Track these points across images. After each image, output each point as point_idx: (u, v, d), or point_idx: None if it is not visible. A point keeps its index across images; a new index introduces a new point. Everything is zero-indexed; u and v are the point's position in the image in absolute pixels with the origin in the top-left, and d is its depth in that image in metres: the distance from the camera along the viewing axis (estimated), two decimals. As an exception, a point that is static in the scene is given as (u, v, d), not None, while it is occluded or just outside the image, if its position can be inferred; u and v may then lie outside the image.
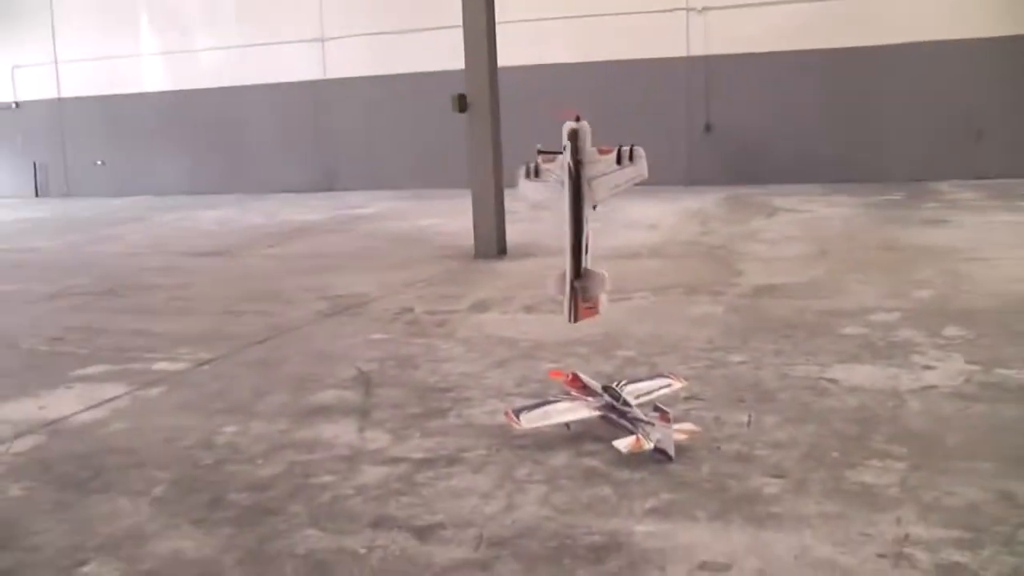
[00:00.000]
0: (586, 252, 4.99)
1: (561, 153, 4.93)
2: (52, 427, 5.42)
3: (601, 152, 4.92)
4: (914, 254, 9.85)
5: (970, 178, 16.73)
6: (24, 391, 6.17)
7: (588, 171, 4.89)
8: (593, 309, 5.06)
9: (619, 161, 4.87)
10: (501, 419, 5.02)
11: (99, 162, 23.34)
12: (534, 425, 4.77)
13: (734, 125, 18.54)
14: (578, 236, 4.95)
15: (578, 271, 4.98)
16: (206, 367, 6.59)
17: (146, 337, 7.59)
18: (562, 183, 4.91)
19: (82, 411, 5.68)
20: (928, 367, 5.85)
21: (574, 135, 4.91)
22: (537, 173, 5.01)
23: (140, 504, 4.22)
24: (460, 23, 10.86)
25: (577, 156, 4.89)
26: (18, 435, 5.28)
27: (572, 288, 4.99)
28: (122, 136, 23.14)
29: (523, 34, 18.09)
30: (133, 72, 23.01)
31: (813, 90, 17.99)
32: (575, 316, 5.04)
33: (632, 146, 4.89)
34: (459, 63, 10.94)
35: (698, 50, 18.65)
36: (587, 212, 4.93)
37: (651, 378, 5.32)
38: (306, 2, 21.12)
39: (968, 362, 5.91)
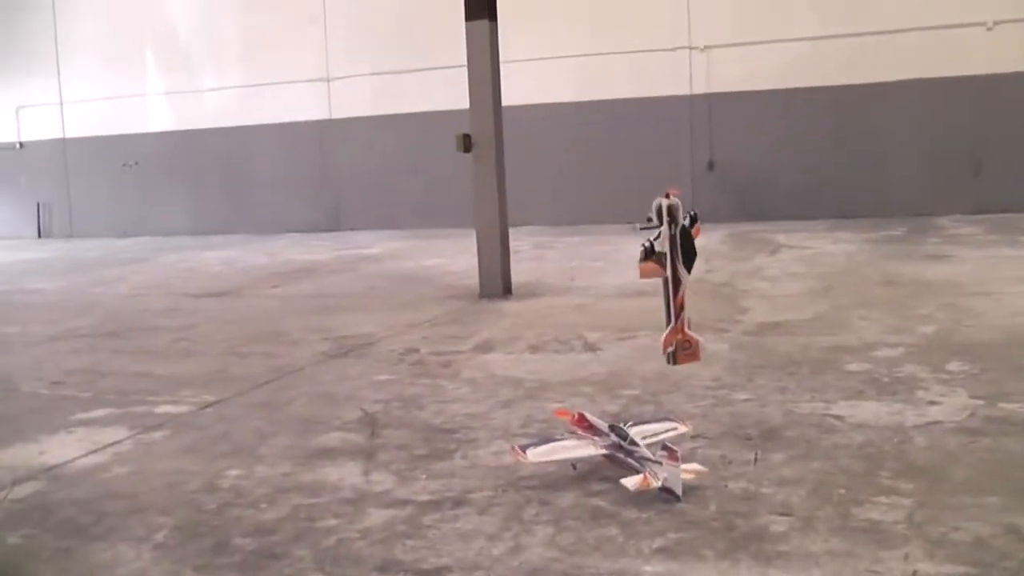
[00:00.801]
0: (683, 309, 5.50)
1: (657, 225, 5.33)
2: (52, 472, 5.39)
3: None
4: (917, 289, 9.86)
5: (970, 213, 16.80)
6: (24, 436, 6.15)
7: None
8: (693, 355, 5.54)
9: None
10: (507, 460, 5.02)
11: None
12: (541, 460, 4.77)
13: (737, 162, 18.61)
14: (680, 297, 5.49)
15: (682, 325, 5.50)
16: (210, 410, 6.58)
17: (149, 379, 7.59)
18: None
19: (83, 456, 5.66)
20: (932, 402, 5.85)
21: (671, 210, 5.30)
22: (654, 252, 5.39)
23: (142, 550, 4.19)
24: (465, 63, 10.91)
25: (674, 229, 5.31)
26: (17, 481, 5.24)
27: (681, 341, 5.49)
28: (127, 176, 23.20)
29: (527, 73, 18.18)
30: (138, 112, 23.10)
31: (814, 127, 18.07)
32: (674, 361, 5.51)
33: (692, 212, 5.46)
34: (464, 103, 10.99)
35: (700, 88, 18.74)
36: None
37: (657, 421, 5.32)
38: (311, 42, 21.24)
39: (972, 397, 5.91)
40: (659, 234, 5.29)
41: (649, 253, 5.33)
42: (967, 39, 17.13)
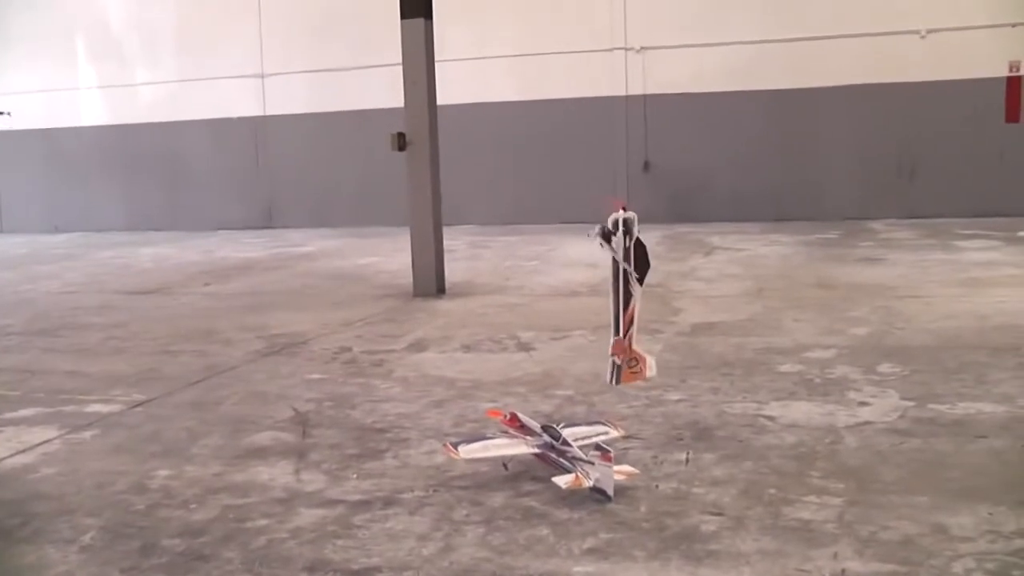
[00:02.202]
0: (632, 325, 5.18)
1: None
2: (-22, 473, 5.30)
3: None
4: (849, 292, 9.96)
5: (904, 217, 17.03)
6: (-49, 436, 6.03)
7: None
8: (639, 374, 5.19)
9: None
10: (439, 460, 5.00)
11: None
12: (473, 457, 4.75)
13: (672, 164, 18.70)
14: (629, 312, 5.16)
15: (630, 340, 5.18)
16: (140, 409, 6.50)
17: (80, 378, 7.48)
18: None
19: (10, 456, 5.56)
20: (864, 403, 5.91)
21: (627, 223, 5.04)
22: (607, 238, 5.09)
23: (68, 553, 4.11)
24: (400, 61, 10.86)
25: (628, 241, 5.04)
26: (-57, 482, 5.16)
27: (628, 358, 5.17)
28: (59, 170, 22.87)
29: (463, 72, 18.16)
30: (70, 106, 22.77)
31: (750, 130, 18.21)
32: (618, 379, 5.18)
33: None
34: (399, 101, 10.94)
35: (636, 89, 18.82)
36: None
37: (589, 424, 5.31)
38: (246, 38, 21.05)
39: (903, 398, 5.97)
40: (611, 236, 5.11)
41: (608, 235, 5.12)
42: (902, 47, 17.36)
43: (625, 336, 5.15)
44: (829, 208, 17.67)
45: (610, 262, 5.05)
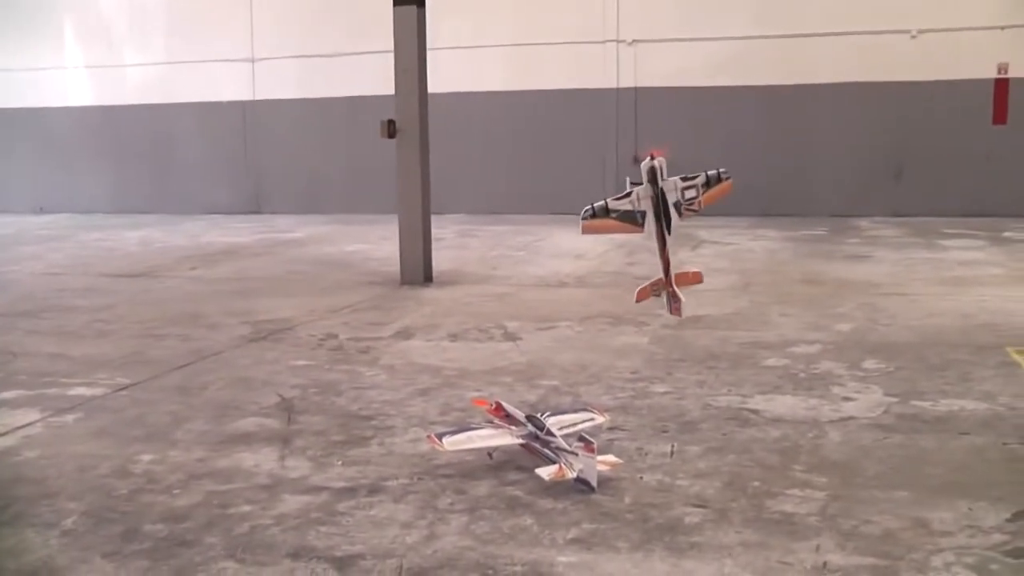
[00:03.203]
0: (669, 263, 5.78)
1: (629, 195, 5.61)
2: (-40, 456, 5.29)
3: (685, 179, 5.67)
4: (835, 288, 9.99)
5: (890, 215, 17.08)
6: (-67, 417, 6.01)
7: (670, 197, 5.62)
8: (677, 310, 5.81)
9: (708, 184, 5.70)
10: (424, 448, 5.01)
11: None
12: (457, 449, 4.76)
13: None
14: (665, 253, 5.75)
15: (669, 279, 5.77)
16: (125, 392, 6.49)
17: (64, 361, 7.46)
18: (639, 215, 5.62)
19: (-7, 438, 5.57)
20: (848, 398, 5.94)
21: (652, 172, 5.58)
22: (607, 211, 5.59)
23: (49, 537, 4.10)
24: (392, 48, 10.83)
25: (659, 187, 5.59)
26: (-77, 464, 5.13)
27: (670, 293, 5.78)
28: (45, 151, 22.73)
29: (455, 61, 18.13)
30: (57, 85, 22.61)
31: (739, 125, 18.20)
32: (673, 310, 5.81)
33: (719, 171, 5.77)
34: (390, 88, 10.91)
35: (628, 82, 18.81)
36: (670, 234, 5.71)
37: (574, 411, 5.33)
38: (237, 21, 20.95)
39: (887, 394, 6.01)
40: (630, 193, 5.58)
41: (596, 213, 5.56)
42: (893, 46, 17.39)
43: (666, 276, 5.75)
44: (817, 204, 17.70)
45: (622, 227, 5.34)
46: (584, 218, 5.56)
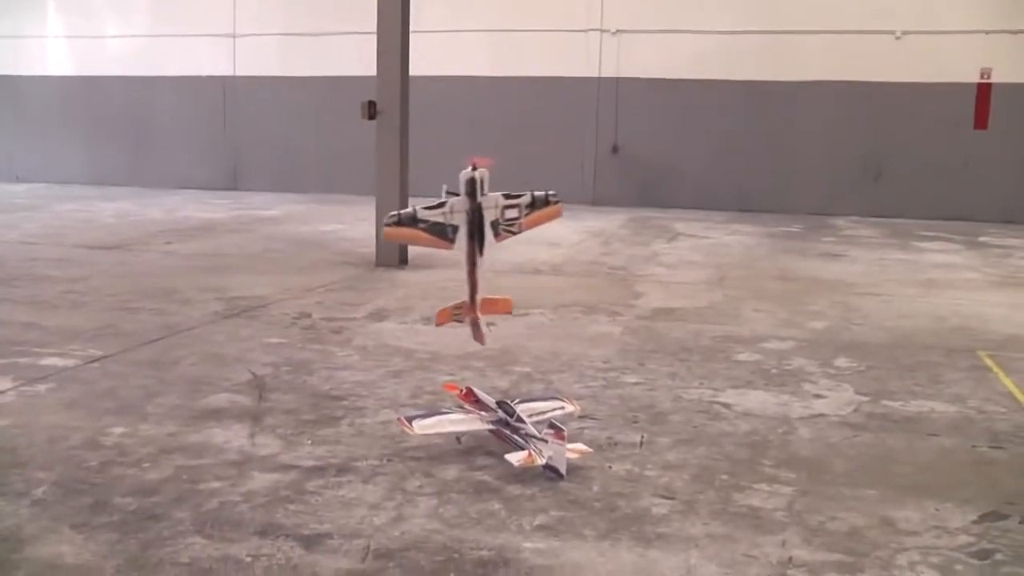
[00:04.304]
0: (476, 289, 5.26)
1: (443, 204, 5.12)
2: (-69, 422, 5.26)
3: (508, 196, 5.22)
4: (809, 286, 10.02)
5: (867, 215, 17.15)
6: (-97, 383, 5.98)
7: (488, 215, 5.15)
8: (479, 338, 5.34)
9: (533, 205, 5.25)
10: (394, 429, 5.01)
11: None
12: (427, 433, 4.76)
13: (641, 148, 18.72)
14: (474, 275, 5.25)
15: (474, 304, 5.27)
16: (97, 364, 6.46)
17: (36, 331, 7.42)
18: (450, 228, 5.12)
19: (-36, 405, 5.54)
20: (819, 396, 5.97)
21: (472, 183, 5.11)
22: (415, 220, 5.07)
23: (19, 506, 4.10)
24: (374, 29, 10.80)
25: (477, 201, 5.11)
26: None
27: (472, 320, 5.29)
28: (22, 119, 22.55)
29: (437, 44, 18.07)
30: (37, 54, 22.43)
31: (720, 119, 18.23)
32: (476, 336, 5.32)
33: (547, 193, 5.28)
34: (371, 69, 10.89)
35: (610, 72, 18.80)
36: (482, 255, 5.20)
37: (545, 399, 5.34)
38: (219, -4, 20.86)
39: (857, 393, 6.04)
40: (444, 203, 5.11)
41: (402, 220, 5.07)
42: (877, 46, 17.43)
43: (471, 300, 5.26)
44: (794, 202, 17.76)
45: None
46: (387, 224, 5.11)
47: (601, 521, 4.01)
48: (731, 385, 6.17)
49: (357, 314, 8.23)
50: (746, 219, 16.44)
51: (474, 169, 5.10)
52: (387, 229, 5.12)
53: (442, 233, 5.10)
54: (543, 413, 5.00)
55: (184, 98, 21.35)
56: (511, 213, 5.21)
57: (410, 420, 4.81)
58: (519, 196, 5.23)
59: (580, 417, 5.32)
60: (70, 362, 6.48)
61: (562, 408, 5.16)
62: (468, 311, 5.28)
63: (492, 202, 5.16)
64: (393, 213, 5.10)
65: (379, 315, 8.22)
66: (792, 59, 17.77)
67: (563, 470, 4.38)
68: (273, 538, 3.80)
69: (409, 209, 5.10)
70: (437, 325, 5.42)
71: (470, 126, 19.20)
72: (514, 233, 5.25)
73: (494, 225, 5.18)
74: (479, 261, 5.19)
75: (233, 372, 6.28)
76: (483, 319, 5.26)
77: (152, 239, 12.94)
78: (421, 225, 5.07)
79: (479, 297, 5.26)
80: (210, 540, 3.78)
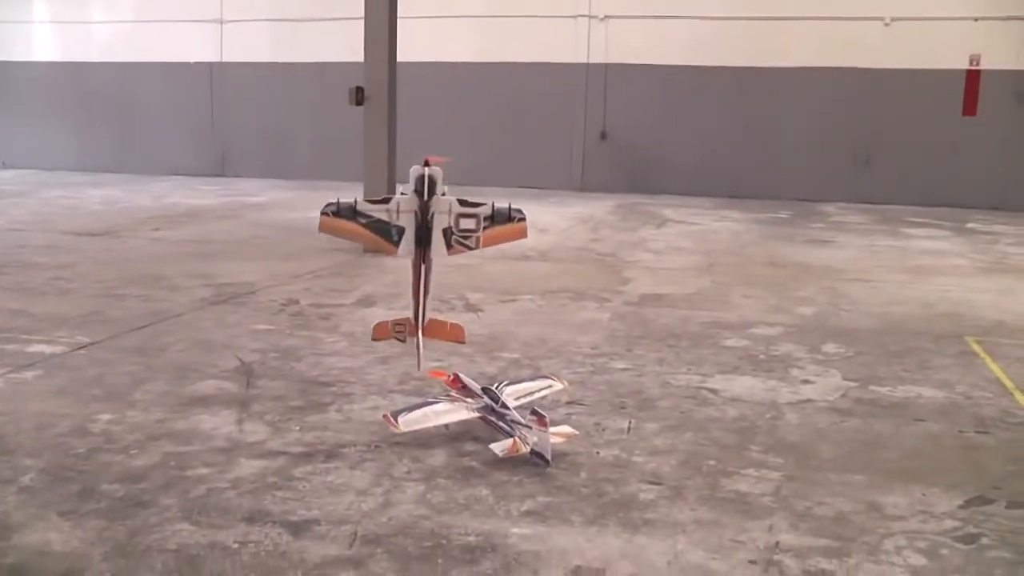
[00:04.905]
0: (425, 303, 4.90)
1: (387, 200, 4.78)
2: (-83, 410, 5.24)
3: (464, 204, 4.78)
4: (798, 272, 10.04)
5: (856, 202, 17.18)
6: None
7: (439, 220, 4.75)
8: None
9: (493, 219, 4.77)
10: (381, 416, 5.00)
11: None
12: (412, 428, 4.74)
13: (629, 134, 18.71)
14: (419, 287, 4.86)
15: (419, 323, 4.94)
16: (84, 351, 6.44)
17: (24, 317, 7.40)
18: (395, 230, 4.76)
19: (-50, 391, 5.52)
20: (807, 381, 5.98)
21: (422, 181, 4.71)
22: (355, 213, 4.75)
23: (6, 493, 4.09)
24: (362, 15, 10.77)
25: (426, 202, 4.71)
26: None
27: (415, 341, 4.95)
28: (9, 105, 22.44)
29: (425, 30, 18.01)
30: (23, 39, 22.31)
31: (710, 106, 18.24)
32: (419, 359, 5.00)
33: (511, 207, 4.79)
34: (359, 55, 10.86)
35: (598, 58, 18.77)
36: (429, 266, 4.83)
37: (533, 379, 5.33)
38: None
39: (845, 378, 6.06)
40: (388, 199, 4.79)
41: (340, 211, 4.76)
42: (865, 32, 17.44)
43: (416, 316, 4.91)
44: (783, 188, 17.77)
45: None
46: (324, 213, 4.78)
47: (588, 507, 4.01)
48: (719, 371, 6.17)
49: (345, 300, 8.22)
50: (735, 205, 16.45)
51: (426, 165, 4.71)
52: (323, 219, 4.76)
53: (385, 233, 4.71)
54: (532, 393, 5.00)
55: (172, 84, 21.29)
56: (467, 223, 4.73)
57: (395, 416, 4.73)
58: (478, 205, 4.75)
59: (568, 403, 5.33)
60: (57, 349, 6.46)
61: (550, 386, 5.16)
62: (411, 331, 4.92)
63: (444, 206, 4.71)
64: (331, 202, 4.73)
65: (367, 301, 8.20)
66: (781, 45, 17.77)
67: (549, 456, 4.37)
68: (261, 524, 3.79)
69: (349, 199, 4.74)
70: (373, 340, 5.10)
71: (458, 112, 19.18)
72: (470, 248, 4.78)
73: (446, 234, 4.72)
74: (426, 272, 4.77)
75: (221, 359, 6.26)
76: (426, 342, 4.89)
77: (140, 226, 12.90)
78: (361, 220, 4.72)
79: (425, 317, 4.88)
80: (197, 527, 3.77)
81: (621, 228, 13.32)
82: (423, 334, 4.88)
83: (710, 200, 17.06)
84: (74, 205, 15.35)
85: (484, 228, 4.74)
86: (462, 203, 4.73)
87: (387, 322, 5.07)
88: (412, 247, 4.73)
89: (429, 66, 18.42)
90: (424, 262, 4.76)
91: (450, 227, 4.72)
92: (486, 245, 4.81)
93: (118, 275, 9.18)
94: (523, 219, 4.79)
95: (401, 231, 4.69)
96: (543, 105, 18.98)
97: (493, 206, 4.73)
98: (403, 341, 4.98)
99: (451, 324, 5.09)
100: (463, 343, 5.34)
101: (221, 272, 9.35)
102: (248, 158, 20.94)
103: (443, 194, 4.77)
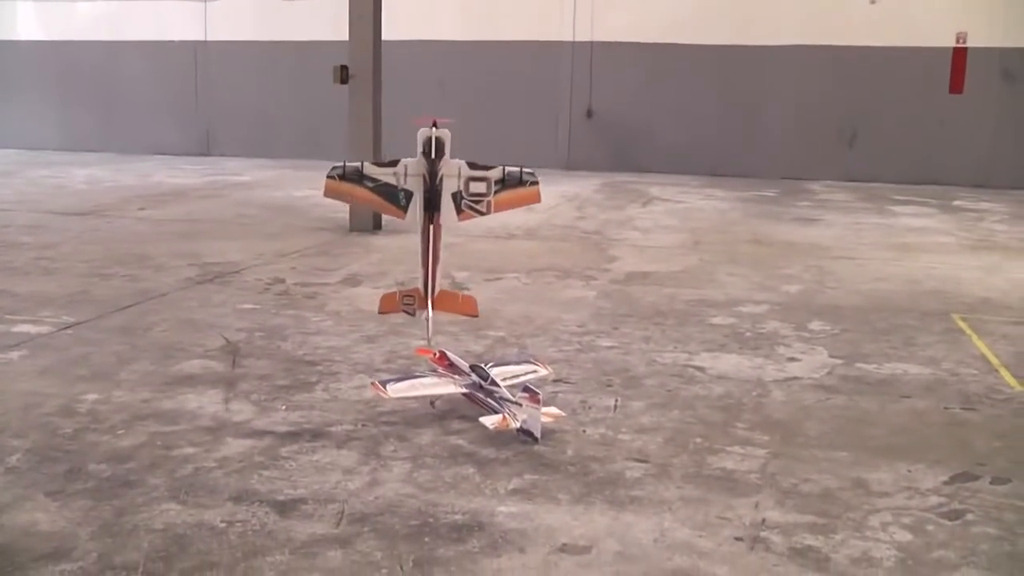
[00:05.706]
0: (435, 272, 4.84)
1: (395, 163, 4.72)
2: (-97, 389, 5.22)
3: (474, 167, 4.74)
4: (784, 249, 10.05)
5: (842, 180, 17.17)
6: None
7: (448, 184, 4.70)
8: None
9: (504, 183, 4.73)
10: (368, 394, 5.00)
11: None
12: (400, 396, 4.75)
13: (615, 113, 18.68)
14: (429, 256, 4.82)
15: (429, 295, 4.94)
16: (70, 331, 6.43)
17: (8, 297, 7.37)
18: (403, 194, 4.71)
19: (-65, 373, 5.50)
20: (793, 359, 5.99)
21: (429, 143, 4.64)
22: (362, 177, 4.68)
23: (-7, 472, 4.09)
24: (349, -7, 10.73)
25: (434, 167, 4.65)
26: None
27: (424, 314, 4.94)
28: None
29: (410, 8, 17.96)
30: (6, 18, 22.18)
31: (694, 84, 18.20)
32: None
33: (523, 170, 4.74)
34: (344, 34, 10.82)
35: (584, 36, 18.72)
36: (438, 230, 4.78)
37: (518, 362, 5.32)
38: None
39: (831, 355, 6.07)
40: (396, 161, 4.76)
41: (346, 175, 4.72)
42: (851, 9, 17.40)
43: (426, 287, 4.87)
44: (768, 166, 17.75)
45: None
46: (330, 176, 4.72)
47: (575, 485, 4.02)
48: (705, 348, 6.18)
49: (331, 279, 8.21)
50: (721, 183, 16.44)
51: (434, 126, 4.66)
52: (328, 182, 4.69)
53: (392, 197, 4.66)
54: (516, 377, 4.99)
55: (156, 63, 21.14)
56: (477, 187, 4.70)
57: (384, 384, 4.78)
58: (489, 168, 4.72)
59: (554, 381, 5.33)
60: (43, 329, 6.44)
61: (535, 371, 5.16)
62: (420, 303, 4.87)
63: (454, 169, 4.69)
64: (337, 165, 4.66)
65: (353, 280, 8.19)
66: (767, 23, 17.72)
67: (538, 434, 4.38)
68: (247, 504, 3.79)
69: (356, 163, 4.68)
70: (380, 313, 5.01)
71: (443, 91, 19.12)
72: (481, 213, 4.76)
73: (455, 198, 4.69)
74: (435, 239, 4.71)
75: (206, 338, 6.25)
76: (437, 314, 4.80)
77: (125, 205, 12.86)
78: (368, 183, 4.67)
79: (436, 287, 4.82)
80: (184, 506, 3.77)
81: (607, 206, 13.32)
82: (433, 307, 4.83)
83: (696, 178, 17.06)
84: (59, 184, 15.28)
85: (496, 192, 4.69)
86: (472, 166, 4.69)
87: (395, 293, 5.05)
88: (420, 212, 4.68)
89: (414, 44, 18.37)
90: (433, 227, 4.69)
91: (460, 191, 4.67)
92: (498, 210, 4.77)
93: (103, 255, 9.15)
94: (536, 183, 4.73)
95: (409, 195, 4.64)
96: (529, 83, 18.93)
97: (504, 170, 4.69)
98: (412, 315, 4.93)
99: (463, 296, 5.11)
100: (476, 316, 5.31)
101: (206, 251, 9.33)
102: (232, 137, 20.85)
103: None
